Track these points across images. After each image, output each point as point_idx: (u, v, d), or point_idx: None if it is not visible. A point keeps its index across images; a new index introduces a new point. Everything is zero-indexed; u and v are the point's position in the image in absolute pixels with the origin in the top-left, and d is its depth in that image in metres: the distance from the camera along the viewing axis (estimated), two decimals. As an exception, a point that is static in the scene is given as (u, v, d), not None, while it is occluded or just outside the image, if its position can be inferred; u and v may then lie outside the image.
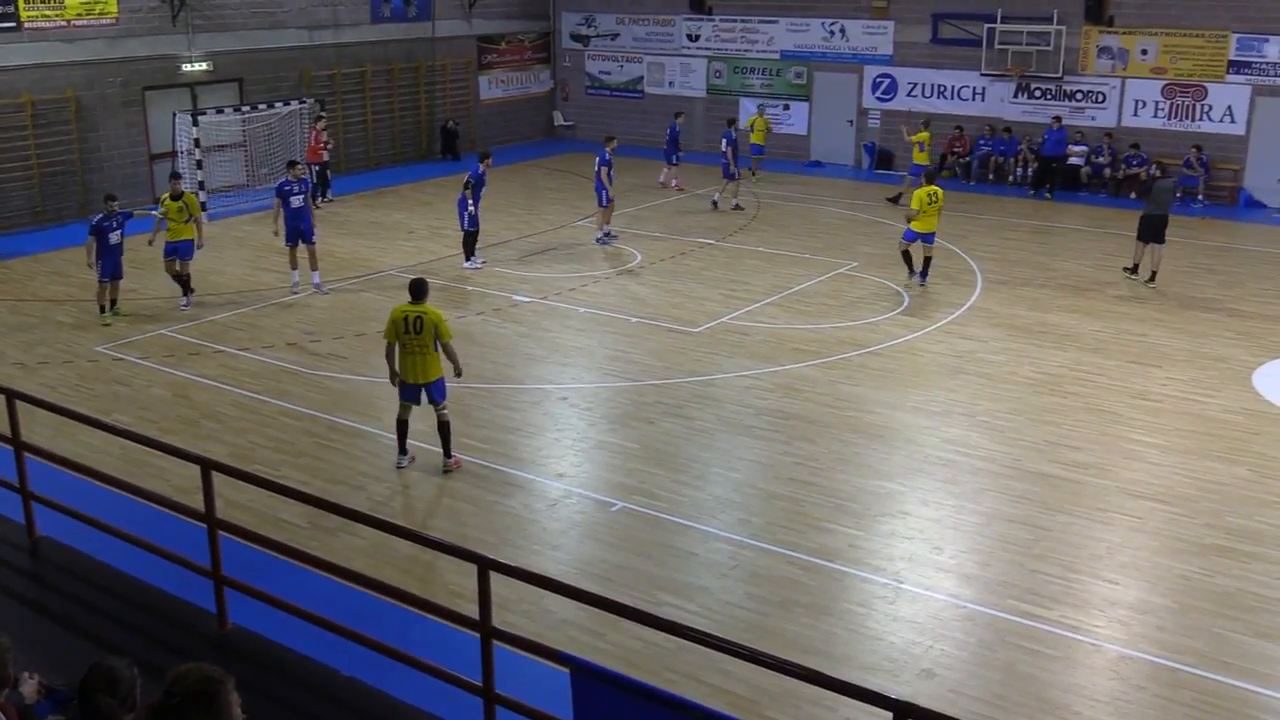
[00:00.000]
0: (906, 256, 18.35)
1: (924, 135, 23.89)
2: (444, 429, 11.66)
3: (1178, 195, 24.62)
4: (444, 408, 11.61)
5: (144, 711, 3.65)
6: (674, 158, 25.95)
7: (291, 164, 18.61)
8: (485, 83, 32.17)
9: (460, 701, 6.61)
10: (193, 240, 17.23)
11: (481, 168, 19.54)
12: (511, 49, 32.84)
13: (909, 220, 18.26)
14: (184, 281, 17.34)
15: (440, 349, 11.39)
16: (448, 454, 11.73)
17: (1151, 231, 18.59)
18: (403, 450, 11.79)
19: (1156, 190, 19.26)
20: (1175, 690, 8.20)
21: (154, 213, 16.93)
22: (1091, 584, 9.65)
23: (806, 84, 29.98)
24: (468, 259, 19.52)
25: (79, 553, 8.77)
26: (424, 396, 11.54)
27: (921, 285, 18.24)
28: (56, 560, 8.75)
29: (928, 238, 18.13)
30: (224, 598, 7.73)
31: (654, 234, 22.10)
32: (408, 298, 11.43)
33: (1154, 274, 18.63)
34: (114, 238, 16.35)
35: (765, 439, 12.66)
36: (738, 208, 23.98)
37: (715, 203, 24.26)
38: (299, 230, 17.78)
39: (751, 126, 27.22)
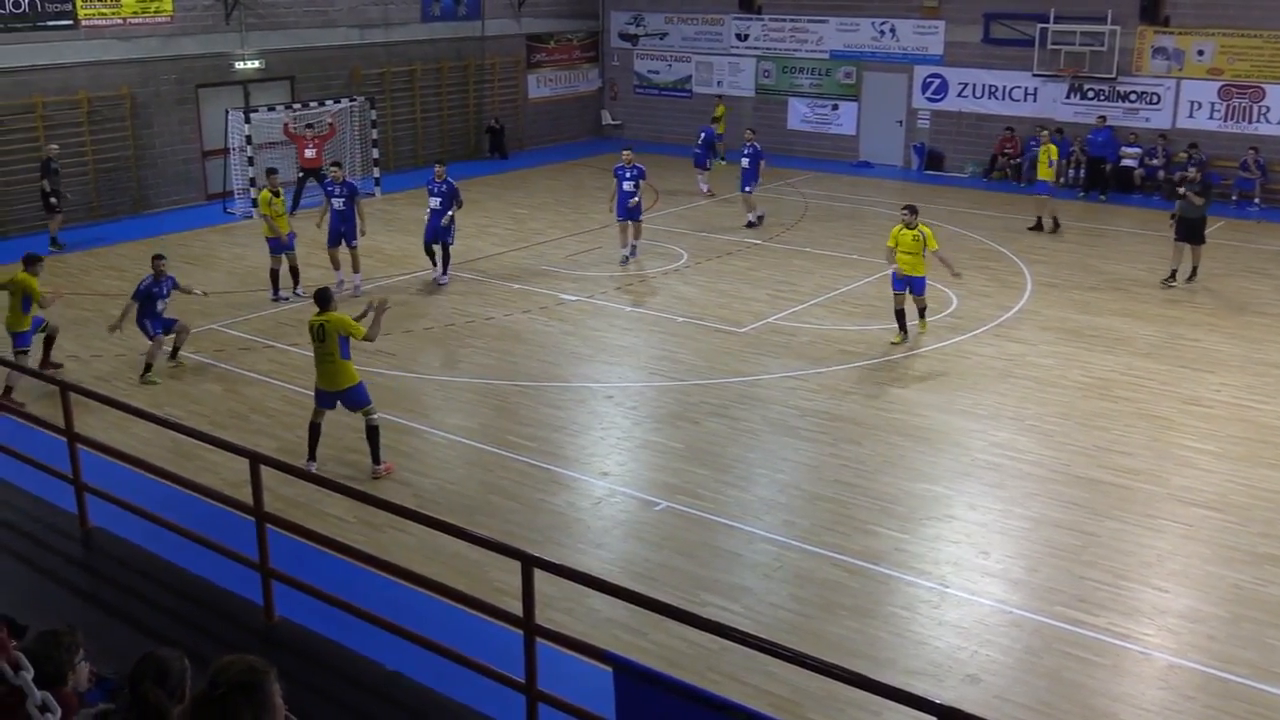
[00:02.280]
0: (922, 311, 15.84)
1: (1053, 148, 22.10)
2: (372, 434, 11.48)
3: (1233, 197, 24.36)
4: (370, 413, 11.45)
5: (189, 703, 3.69)
6: (707, 162, 25.80)
7: (334, 165, 18.75)
8: (534, 81, 32.27)
9: (503, 698, 6.62)
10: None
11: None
12: (560, 48, 32.92)
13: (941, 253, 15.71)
14: (296, 273, 17.69)
15: (347, 350, 11.24)
16: (376, 460, 11.55)
17: (1199, 231, 18.38)
18: (312, 456, 11.56)
19: (1210, 187, 19.09)
20: (1226, 701, 8.07)
21: (256, 213, 17.10)
22: (1141, 591, 9.52)
23: (856, 84, 29.81)
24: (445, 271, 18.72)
25: (130, 543, 8.89)
26: (341, 406, 11.49)
27: (905, 341, 15.61)
28: (108, 550, 8.87)
29: (906, 284, 15.46)
30: (271, 590, 7.80)
31: (700, 233, 22.06)
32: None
33: (1195, 270, 18.64)
34: (160, 305, 14.43)
35: (811, 440, 12.61)
36: (756, 220, 22.75)
37: (754, 220, 22.77)
38: (340, 232, 17.82)
39: (718, 117, 28.16)
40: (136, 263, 19.88)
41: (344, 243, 17.87)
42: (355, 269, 18.08)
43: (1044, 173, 22.07)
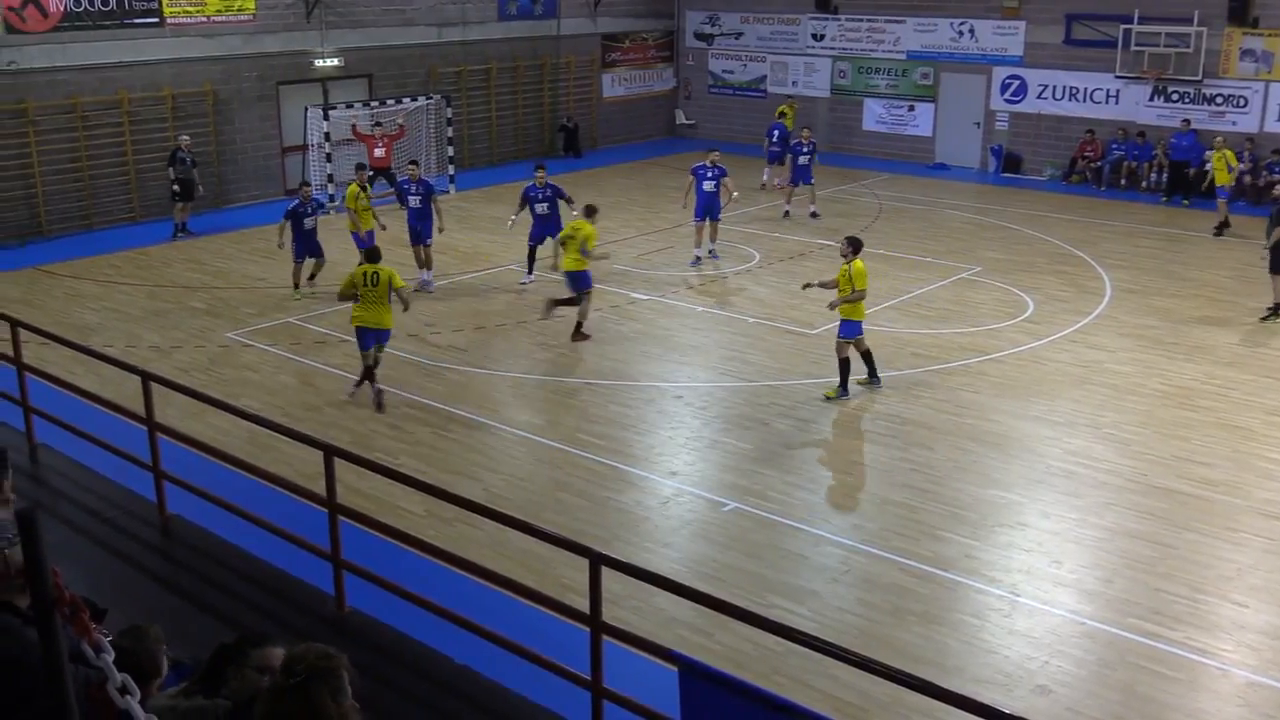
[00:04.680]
0: (845, 365, 13.61)
1: (1230, 153, 22.05)
2: (375, 365, 13.42)
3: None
4: (383, 349, 13.51)
5: (266, 693, 3.75)
6: (778, 159, 25.67)
7: (411, 163, 18.91)
8: (609, 80, 32.35)
9: (570, 695, 6.66)
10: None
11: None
12: (635, 47, 32.97)
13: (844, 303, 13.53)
14: None
15: (396, 297, 13.22)
16: (374, 380, 13.37)
17: None
18: (368, 380, 13.42)
19: None
20: (1307, 720, 7.87)
21: (336, 203, 17.82)
22: (1219, 605, 9.31)
23: (933, 85, 29.48)
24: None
25: (206, 531, 9.08)
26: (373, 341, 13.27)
27: (876, 386, 13.92)
28: (185, 538, 9.07)
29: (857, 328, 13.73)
30: (343, 581, 7.92)
31: (773, 234, 21.97)
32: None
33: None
34: (308, 223, 17.35)
35: (881, 444, 12.50)
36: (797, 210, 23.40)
37: (815, 213, 23.29)
38: (417, 229, 17.92)
39: (782, 115, 27.77)
40: (216, 255, 20.31)
41: (419, 240, 17.99)
42: (428, 266, 18.21)
43: (1223, 178, 21.89)
